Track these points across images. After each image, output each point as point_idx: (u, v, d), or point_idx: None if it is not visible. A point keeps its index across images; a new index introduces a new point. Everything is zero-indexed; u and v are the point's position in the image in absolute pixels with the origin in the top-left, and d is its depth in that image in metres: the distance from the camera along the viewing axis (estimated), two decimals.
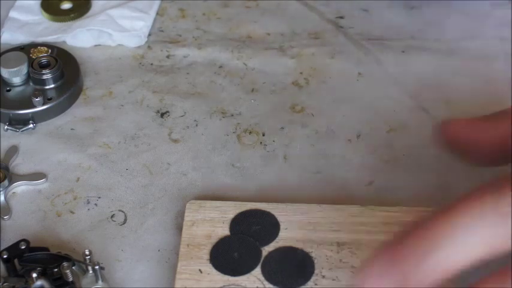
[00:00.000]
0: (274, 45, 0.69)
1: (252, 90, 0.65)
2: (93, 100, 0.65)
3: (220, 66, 0.67)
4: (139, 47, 0.69)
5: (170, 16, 0.72)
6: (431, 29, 0.69)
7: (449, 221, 0.35)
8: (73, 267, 0.51)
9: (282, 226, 0.52)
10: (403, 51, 0.67)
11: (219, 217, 0.53)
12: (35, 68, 0.64)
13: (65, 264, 0.50)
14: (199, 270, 0.50)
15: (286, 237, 0.51)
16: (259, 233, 0.52)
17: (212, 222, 0.52)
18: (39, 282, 0.49)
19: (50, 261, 0.51)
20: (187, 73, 0.67)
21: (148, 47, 0.70)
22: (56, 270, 0.51)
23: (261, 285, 0.49)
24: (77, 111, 0.64)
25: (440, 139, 0.45)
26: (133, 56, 0.69)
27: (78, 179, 0.59)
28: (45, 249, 0.52)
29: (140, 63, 0.68)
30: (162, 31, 0.71)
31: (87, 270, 0.51)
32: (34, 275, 0.49)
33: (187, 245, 0.51)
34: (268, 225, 0.52)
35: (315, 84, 0.65)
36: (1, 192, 0.57)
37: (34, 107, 0.63)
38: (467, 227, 0.35)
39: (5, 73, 0.63)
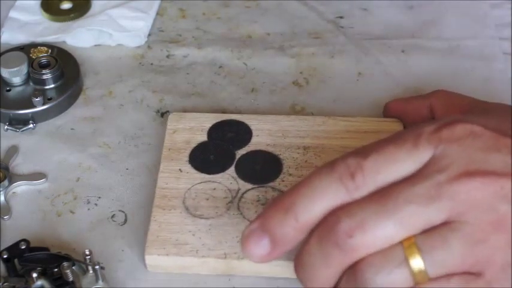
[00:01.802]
0: (274, 45, 0.69)
1: (252, 90, 0.65)
2: (93, 100, 0.65)
3: (220, 66, 0.67)
4: (139, 47, 0.69)
5: (170, 16, 0.72)
6: (431, 29, 0.69)
7: (302, 186, 0.46)
8: (73, 267, 0.51)
9: (254, 133, 0.59)
10: (403, 51, 0.67)
11: (198, 126, 0.59)
12: (35, 68, 0.64)
13: (65, 264, 0.50)
14: (179, 169, 0.57)
15: (257, 142, 0.58)
16: (233, 139, 0.59)
17: (192, 131, 0.59)
18: (39, 282, 0.49)
19: (50, 261, 0.51)
20: (187, 73, 0.67)
21: (148, 47, 0.70)
22: (56, 270, 0.51)
23: (235, 182, 0.56)
24: (77, 111, 0.64)
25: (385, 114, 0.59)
26: (133, 56, 0.69)
27: (78, 179, 0.59)
28: (45, 249, 0.52)
29: (140, 63, 0.68)
30: (162, 31, 0.71)
31: (87, 270, 0.51)
32: (34, 275, 0.49)
33: (169, 149, 0.58)
34: (242, 133, 0.59)
35: (315, 84, 0.65)
36: (1, 192, 0.57)
37: (34, 107, 0.63)
38: (314, 188, 0.45)
39: (5, 73, 0.63)
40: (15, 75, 0.64)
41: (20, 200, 0.58)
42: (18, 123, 0.63)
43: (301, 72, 0.66)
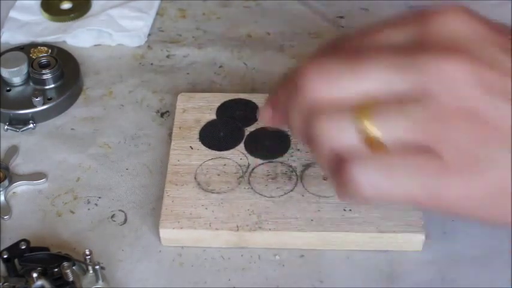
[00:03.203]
0: (274, 45, 0.69)
1: (252, 90, 0.65)
2: (93, 100, 0.65)
3: (220, 66, 0.67)
4: (139, 46, 0.69)
5: (170, 16, 0.72)
6: None
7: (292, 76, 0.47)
8: (73, 267, 0.51)
9: None
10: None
11: (207, 105, 0.61)
12: (35, 68, 0.64)
13: (65, 264, 0.50)
14: (190, 147, 0.59)
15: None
16: (242, 117, 0.60)
17: (201, 110, 0.61)
18: (39, 282, 0.49)
19: (50, 261, 0.51)
20: (187, 73, 0.67)
21: (148, 46, 0.70)
22: (56, 270, 0.51)
23: (245, 158, 0.58)
24: (77, 111, 0.64)
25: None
26: (134, 55, 0.69)
27: (78, 179, 0.59)
28: (46, 249, 0.52)
29: (140, 63, 0.68)
30: (162, 31, 0.71)
31: (88, 270, 0.51)
32: (34, 275, 0.49)
33: (179, 128, 0.60)
34: (250, 111, 0.60)
35: None
36: (1, 192, 0.57)
37: (34, 107, 0.63)
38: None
39: (5, 73, 0.63)
40: (15, 75, 0.64)
41: (20, 200, 0.58)
42: (18, 123, 0.63)
43: None
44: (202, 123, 0.60)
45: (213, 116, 0.60)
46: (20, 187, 0.59)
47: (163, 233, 0.54)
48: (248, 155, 0.58)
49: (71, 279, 0.50)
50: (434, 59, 0.44)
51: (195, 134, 0.59)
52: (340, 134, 0.44)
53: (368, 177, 0.45)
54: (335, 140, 0.44)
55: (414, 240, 0.53)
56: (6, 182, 0.58)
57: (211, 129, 0.60)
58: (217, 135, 0.59)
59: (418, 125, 0.44)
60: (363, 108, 0.44)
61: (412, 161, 0.45)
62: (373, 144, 0.44)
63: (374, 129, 0.44)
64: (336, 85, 0.45)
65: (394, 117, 0.44)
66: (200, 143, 0.59)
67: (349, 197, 0.45)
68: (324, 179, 0.56)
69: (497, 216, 0.46)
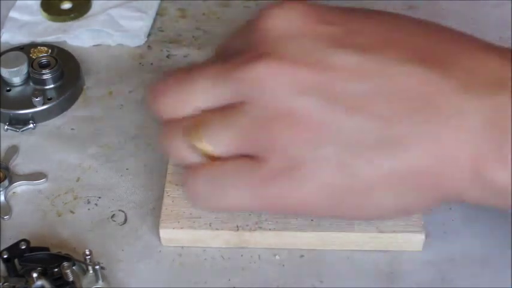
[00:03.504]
0: None
1: None
2: (93, 100, 0.65)
3: None
4: (139, 47, 0.69)
5: (170, 16, 0.72)
6: None
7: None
8: (73, 267, 0.51)
9: None
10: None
11: None
12: (35, 68, 0.64)
13: (65, 264, 0.50)
14: None
15: None
16: None
17: None
18: (39, 282, 0.49)
19: (50, 261, 0.51)
20: None
21: (148, 46, 0.70)
22: (56, 270, 0.51)
23: None
24: (77, 111, 0.64)
25: None
26: (133, 55, 0.69)
27: (78, 179, 0.59)
28: (46, 249, 0.52)
29: (140, 63, 0.68)
30: (162, 31, 0.71)
31: (88, 270, 0.51)
32: (34, 275, 0.49)
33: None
34: None
35: None
36: (1, 192, 0.57)
37: (34, 107, 0.63)
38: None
39: (5, 73, 0.63)
40: (15, 75, 0.64)
41: (20, 200, 0.58)
42: (18, 123, 0.63)
43: None
44: None
45: None
46: (20, 187, 0.59)
47: (163, 233, 0.54)
48: None
49: (71, 279, 0.50)
50: (246, 65, 0.45)
51: None
52: (178, 152, 0.48)
53: (198, 188, 0.48)
54: (177, 157, 0.48)
55: (414, 240, 0.53)
56: (6, 182, 0.58)
57: None
58: None
59: (242, 135, 0.46)
60: (195, 124, 0.47)
61: (240, 171, 0.47)
62: (210, 158, 0.47)
63: (204, 144, 0.47)
64: (173, 105, 0.48)
65: (219, 130, 0.46)
66: None
67: (196, 206, 0.49)
68: None
69: (344, 212, 0.48)
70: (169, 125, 0.49)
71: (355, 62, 0.45)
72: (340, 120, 0.44)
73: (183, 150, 0.48)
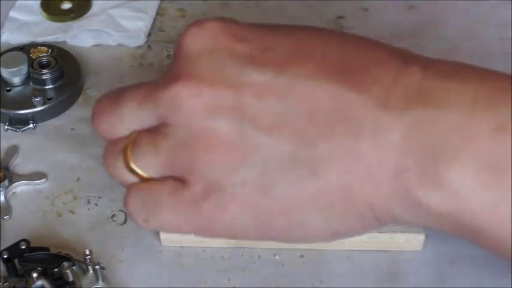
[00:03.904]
0: None
1: None
2: (93, 100, 0.65)
3: None
4: (139, 46, 0.69)
5: (170, 16, 0.72)
6: (431, 29, 0.69)
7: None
8: (73, 267, 0.51)
9: None
10: None
11: None
12: (35, 68, 0.64)
13: (65, 264, 0.50)
14: None
15: None
16: None
17: None
18: (39, 282, 0.49)
19: (50, 261, 0.51)
20: None
21: (148, 46, 0.70)
22: (56, 270, 0.51)
23: None
24: (77, 111, 0.64)
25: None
26: (134, 56, 0.69)
27: (78, 179, 0.59)
28: (46, 249, 0.52)
29: (140, 63, 0.68)
30: (162, 31, 0.71)
31: (88, 270, 0.51)
32: (34, 275, 0.49)
33: None
34: None
35: None
36: (1, 192, 0.57)
37: (34, 107, 0.63)
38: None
39: (5, 73, 0.63)
40: (15, 75, 0.64)
41: (20, 200, 0.58)
42: (18, 123, 0.63)
43: None
44: None
45: None
46: (20, 187, 0.59)
47: (163, 233, 0.54)
48: None
49: (71, 279, 0.50)
50: (165, 87, 0.45)
51: None
52: (117, 172, 0.48)
53: (131, 206, 0.48)
54: (116, 177, 0.49)
55: (414, 240, 0.53)
56: (6, 182, 0.58)
57: None
58: None
59: (165, 157, 0.46)
60: (125, 146, 0.47)
61: (166, 193, 0.46)
62: (143, 179, 0.47)
63: (135, 167, 0.47)
64: (107, 127, 0.49)
65: (146, 152, 0.46)
66: None
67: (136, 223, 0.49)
68: None
69: (272, 235, 0.47)
70: (110, 145, 0.49)
71: (269, 79, 0.44)
72: (256, 140, 0.44)
73: (120, 171, 0.48)
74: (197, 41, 0.46)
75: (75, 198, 0.58)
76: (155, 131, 0.46)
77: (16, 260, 0.51)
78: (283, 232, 0.47)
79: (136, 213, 0.49)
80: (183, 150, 0.45)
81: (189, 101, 0.44)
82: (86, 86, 0.66)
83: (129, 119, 0.48)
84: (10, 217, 0.57)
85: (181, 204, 0.46)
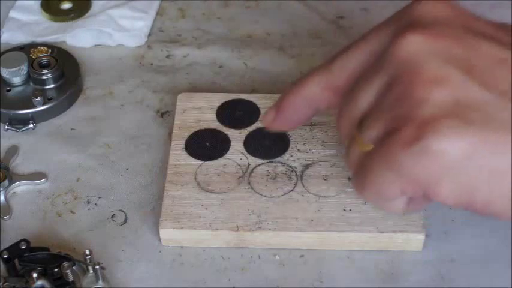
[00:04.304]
0: (274, 45, 0.69)
1: (252, 90, 0.65)
2: (93, 100, 0.65)
3: (221, 66, 0.67)
4: (139, 47, 0.69)
5: (170, 16, 0.73)
6: None
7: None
8: (73, 267, 0.51)
9: (261, 111, 0.60)
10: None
11: (207, 105, 0.61)
12: (35, 68, 0.64)
13: (65, 264, 0.50)
14: None
15: None
16: (242, 117, 0.60)
17: (201, 110, 0.61)
18: (39, 282, 0.49)
19: (50, 261, 0.51)
20: (187, 73, 0.67)
21: (148, 46, 0.70)
22: (56, 270, 0.51)
23: (245, 158, 0.58)
24: (77, 111, 0.64)
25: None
26: (134, 56, 0.69)
27: (78, 179, 0.59)
28: (46, 249, 0.53)
29: (140, 63, 0.68)
30: (162, 31, 0.71)
31: (88, 270, 0.51)
32: (34, 275, 0.49)
33: (179, 128, 0.60)
34: (250, 111, 0.61)
35: None
36: (1, 192, 0.57)
37: (34, 107, 0.63)
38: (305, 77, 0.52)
39: (5, 73, 0.63)
40: (15, 75, 0.64)
41: (20, 200, 0.58)
42: (18, 123, 0.63)
43: (301, 72, 0.66)
44: (202, 123, 0.60)
45: (213, 116, 0.60)
46: (20, 187, 0.59)
47: (163, 233, 0.54)
48: (248, 155, 0.58)
49: (71, 279, 0.50)
50: (393, 43, 0.46)
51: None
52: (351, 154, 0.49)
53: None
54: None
55: (414, 240, 0.53)
56: (6, 182, 0.58)
57: (198, 140, 0.59)
58: (205, 144, 0.59)
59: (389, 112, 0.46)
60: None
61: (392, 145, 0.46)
62: (360, 146, 0.48)
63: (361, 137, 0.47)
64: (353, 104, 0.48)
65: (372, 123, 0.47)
66: (186, 153, 0.58)
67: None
68: (324, 179, 0.56)
69: None
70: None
71: (498, 51, 0.45)
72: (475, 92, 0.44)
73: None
74: (434, 10, 0.48)
75: (75, 198, 0.58)
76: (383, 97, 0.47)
77: (16, 260, 0.51)
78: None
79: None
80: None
81: (425, 45, 0.45)
82: (85, 86, 0.66)
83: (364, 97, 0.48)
84: (10, 217, 0.57)
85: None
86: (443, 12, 0.48)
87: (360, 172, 0.47)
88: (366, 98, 0.47)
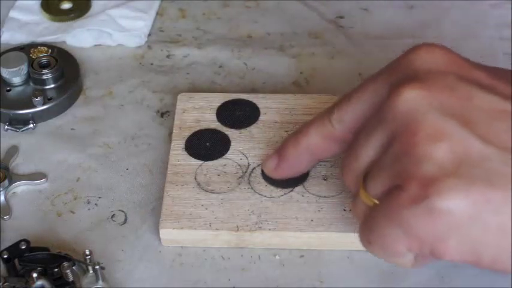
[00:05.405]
0: (274, 45, 0.69)
1: (252, 90, 0.65)
2: (93, 100, 0.65)
3: (220, 66, 0.67)
4: (139, 47, 0.69)
5: (170, 16, 0.72)
6: (431, 29, 0.69)
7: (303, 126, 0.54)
8: (73, 267, 0.51)
9: (261, 112, 0.61)
10: (403, 51, 0.67)
11: (207, 105, 0.61)
12: (35, 68, 0.64)
13: (65, 264, 0.50)
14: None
15: (265, 120, 0.60)
16: (242, 117, 0.60)
17: (201, 110, 0.61)
18: (39, 282, 0.49)
19: (50, 261, 0.51)
20: (187, 73, 0.67)
21: (148, 46, 0.70)
22: (56, 270, 0.51)
23: (244, 158, 0.58)
24: (77, 111, 0.64)
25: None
26: (134, 56, 0.69)
27: (78, 179, 0.59)
28: (46, 249, 0.53)
29: (140, 63, 0.68)
30: (162, 31, 0.71)
31: (88, 270, 0.51)
32: (34, 275, 0.49)
33: (179, 128, 0.60)
34: (250, 111, 0.61)
35: (315, 84, 0.65)
36: (1, 192, 0.57)
37: (34, 107, 0.63)
38: (309, 123, 0.53)
39: (5, 73, 0.63)
40: (15, 75, 0.64)
41: (20, 200, 0.58)
42: (18, 123, 0.63)
43: (301, 72, 0.66)
44: (202, 123, 0.60)
45: (213, 116, 0.60)
46: (20, 187, 0.59)
47: (163, 233, 0.54)
48: (248, 155, 0.58)
49: (71, 279, 0.50)
50: (390, 98, 0.46)
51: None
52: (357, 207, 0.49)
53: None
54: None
55: None
56: (6, 182, 0.58)
57: (198, 140, 0.59)
58: (204, 145, 0.58)
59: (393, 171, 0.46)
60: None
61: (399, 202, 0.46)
62: (365, 200, 0.48)
63: (365, 192, 0.48)
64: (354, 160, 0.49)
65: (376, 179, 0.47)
66: (186, 153, 0.58)
67: None
68: (324, 179, 0.56)
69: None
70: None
71: (495, 102, 0.45)
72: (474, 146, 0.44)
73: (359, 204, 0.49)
74: (428, 60, 0.48)
75: (75, 198, 0.58)
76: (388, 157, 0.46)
77: (16, 260, 0.51)
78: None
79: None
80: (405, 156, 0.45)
81: (421, 101, 0.45)
82: (85, 86, 0.66)
83: (366, 154, 0.48)
84: (10, 217, 0.57)
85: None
86: (439, 61, 0.47)
87: (366, 226, 0.47)
88: (367, 154, 0.48)
